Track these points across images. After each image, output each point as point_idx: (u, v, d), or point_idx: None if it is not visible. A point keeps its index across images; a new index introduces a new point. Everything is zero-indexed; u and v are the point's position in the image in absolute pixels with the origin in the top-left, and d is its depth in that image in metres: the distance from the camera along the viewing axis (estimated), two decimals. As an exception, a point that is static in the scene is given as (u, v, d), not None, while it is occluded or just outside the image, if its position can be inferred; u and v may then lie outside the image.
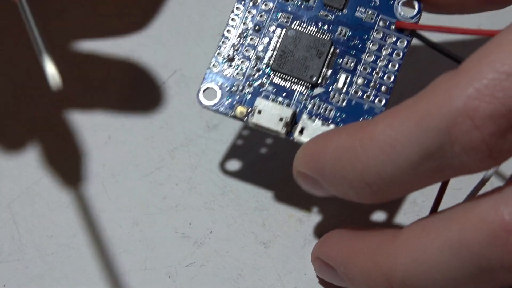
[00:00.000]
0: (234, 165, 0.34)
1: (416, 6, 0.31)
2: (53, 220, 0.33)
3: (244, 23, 0.31)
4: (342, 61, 0.31)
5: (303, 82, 0.30)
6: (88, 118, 0.35)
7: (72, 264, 0.32)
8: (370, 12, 0.31)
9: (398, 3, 0.31)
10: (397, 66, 0.30)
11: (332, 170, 0.27)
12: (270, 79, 0.31)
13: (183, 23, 0.37)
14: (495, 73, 0.23)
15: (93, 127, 0.35)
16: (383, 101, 0.30)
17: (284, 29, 0.31)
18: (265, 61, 0.31)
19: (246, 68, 0.31)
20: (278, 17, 0.31)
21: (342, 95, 0.30)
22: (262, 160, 0.34)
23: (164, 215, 0.33)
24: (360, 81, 0.30)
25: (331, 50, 0.31)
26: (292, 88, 0.30)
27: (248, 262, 0.32)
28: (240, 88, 0.31)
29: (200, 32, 0.37)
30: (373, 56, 0.31)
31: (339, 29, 0.31)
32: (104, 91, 0.35)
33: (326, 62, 0.30)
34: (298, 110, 0.30)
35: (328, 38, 0.31)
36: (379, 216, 0.33)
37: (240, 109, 0.30)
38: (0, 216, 0.33)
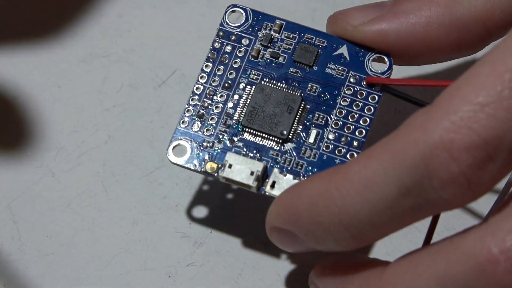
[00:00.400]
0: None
1: (387, 61, 0.30)
2: (53, 220, 0.33)
3: (214, 81, 0.31)
4: (312, 117, 0.30)
5: (273, 138, 0.30)
6: (88, 118, 0.35)
7: (72, 264, 0.32)
8: (340, 68, 0.31)
9: (369, 59, 0.30)
10: (368, 121, 0.30)
11: (308, 217, 0.26)
12: (240, 135, 0.30)
13: (183, 23, 0.37)
14: (469, 105, 0.23)
15: (93, 127, 0.35)
16: (355, 156, 0.29)
17: (254, 86, 0.30)
18: (235, 117, 0.30)
19: (216, 124, 0.30)
20: (248, 74, 0.31)
21: (313, 150, 0.30)
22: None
23: (164, 215, 0.33)
24: (331, 136, 0.30)
25: (302, 106, 0.30)
26: (263, 143, 0.30)
27: (248, 262, 0.32)
28: (210, 144, 0.30)
29: (200, 32, 0.37)
30: (344, 112, 0.30)
31: (309, 85, 0.30)
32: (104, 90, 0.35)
33: (297, 118, 0.30)
34: (269, 165, 0.30)
35: (299, 94, 0.30)
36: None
37: (211, 165, 0.30)
38: (0, 216, 0.33)
